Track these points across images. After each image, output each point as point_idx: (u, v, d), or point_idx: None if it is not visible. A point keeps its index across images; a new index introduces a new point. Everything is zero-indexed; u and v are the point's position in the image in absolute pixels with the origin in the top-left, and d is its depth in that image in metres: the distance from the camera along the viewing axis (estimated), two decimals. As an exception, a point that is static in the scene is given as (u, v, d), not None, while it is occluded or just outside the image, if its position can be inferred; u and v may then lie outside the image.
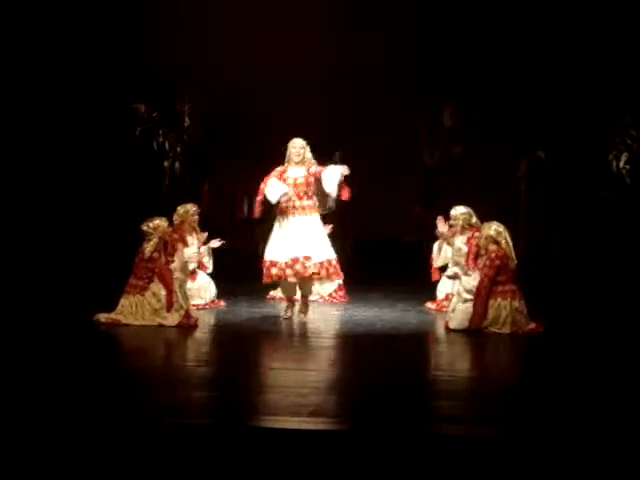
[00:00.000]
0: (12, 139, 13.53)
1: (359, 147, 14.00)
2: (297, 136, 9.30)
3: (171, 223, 9.42)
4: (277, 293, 10.60)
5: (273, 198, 9.06)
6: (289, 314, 9.27)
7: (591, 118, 13.76)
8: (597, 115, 13.73)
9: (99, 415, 5.26)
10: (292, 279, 9.11)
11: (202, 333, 8.53)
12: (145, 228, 8.79)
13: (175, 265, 8.95)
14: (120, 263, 9.27)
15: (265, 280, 9.25)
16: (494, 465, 4.77)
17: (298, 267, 8.99)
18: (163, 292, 8.66)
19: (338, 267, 9.20)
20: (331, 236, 9.70)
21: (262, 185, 9.18)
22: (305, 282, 9.26)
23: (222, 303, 10.19)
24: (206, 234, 10.18)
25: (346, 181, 9.14)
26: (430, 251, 10.47)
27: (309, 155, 9.21)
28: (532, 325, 8.55)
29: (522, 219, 14.73)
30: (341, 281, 10.51)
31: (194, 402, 5.81)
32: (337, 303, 10.47)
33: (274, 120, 13.67)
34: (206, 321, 9.15)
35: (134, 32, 13.59)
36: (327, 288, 10.51)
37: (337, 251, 9.47)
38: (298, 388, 6.13)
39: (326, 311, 9.93)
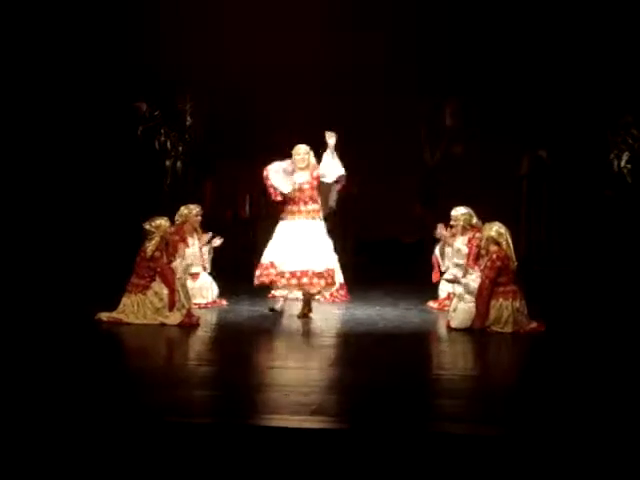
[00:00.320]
0: (15, 138, 13.53)
1: (359, 147, 13.99)
2: (300, 141, 9.37)
3: (172, 223, 9.43)
4: (278, 292, 10.60)
5: (285, 189, 9.12)
6: (277, 307, 9.30)
7: (592, 117, 13.77)
8: (598, 114, 13.73)
9: (101, 414, 5.26)
10: (296, 290, 9.19)
11: (204, 332, 8.54)
12: (147, 227, 8.80)
13: (177, 265, 8.95)
14: (122, 262, 9.28)
15: (261, 280, 9.28)
16: (496, 464, 4.77)
17: (305, 280, 9.06)
18: (165, 291, 8.66)
19: (334, 274, 9.26)
20: (332, 236, 9.72)
21: (265, 173, 9.25)
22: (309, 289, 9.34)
23: (224, 302, 10.20)
24: (209, 235, 10.18)
25: (349, 177, 9.23)
26: (431, 251, 10.47)
27: (313, 160, 9.27)
28: (533, 325, 8.56)
29: (523, 218, 14.72)
30: (342, 280, 10.54)
31: (196, 401, 5.82)
32: (338, 302, 10.47)
33: (275, 120, 13.69)
34: (208, 320, 9.16)
35: (136, 31, 13.60)
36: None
37: (338, 251, 9.49)
38: (300, 387, 6.14)
39: (327, 310, 9.93)
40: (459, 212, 10.04)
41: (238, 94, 14.08)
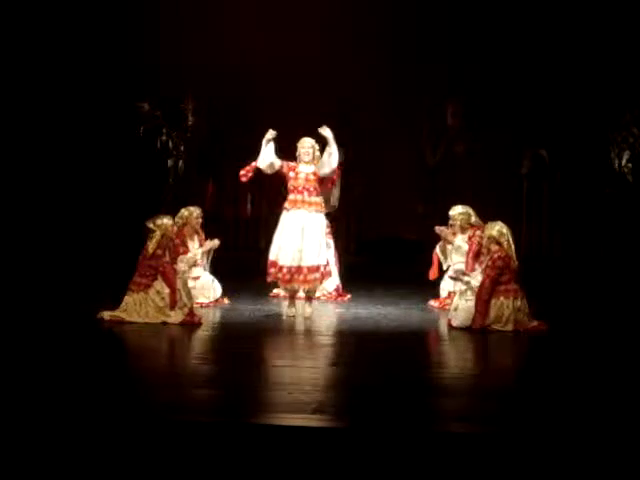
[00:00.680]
0: (17, 139, 13.55)
1: (361, 146, 14.01)
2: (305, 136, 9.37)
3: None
4: (281, 291, 10.62)
5: (262, 164, 9.18)
6: (293, 312, 9.30)
7: (593, 117, 13.77)
8: (599, 114, 13.74)
9: (103, 412, 5.29)
10: (296, 285, 9.18)
11: (205, 331, 8.55)
12: (150, 226, 8.82)
13: (179, 266, 8.96)
14: (125, 261, 9.29)
15: (269, 279, 9.31)
16: (497, 463, 4.79)
17: (301, 278, 9.05)
18: (167, 290, 8.68)
19: (326, 270, 9.29)
20: (333, 235, 9.74)
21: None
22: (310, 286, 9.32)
23: (226, 301, 10.21)
24: (216, 241, 10.16)
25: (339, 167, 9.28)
26: (431, 250, 10.48)
27: (318, 154, 9.25)
28: (534, 323, 8.58)
29: (524, 217, 14.73)
30: (338, 282, 10.60)
31: (197, 400, 5.83)
32: (340, 302, 10.48)
33: (276, 120, 13.68)
34: (210, 319, 9.17)
35: (137, 31, 13.61)
36: (329, 286, 10.54)
37: (339, 250, 9.49)
38: (301, 385, 6.16)
39: (329, 309, 9.95)
40: (456, 211, 10.06)
41: (240, 94, 14.09)
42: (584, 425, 5.20)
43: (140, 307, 8.69)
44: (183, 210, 10.15)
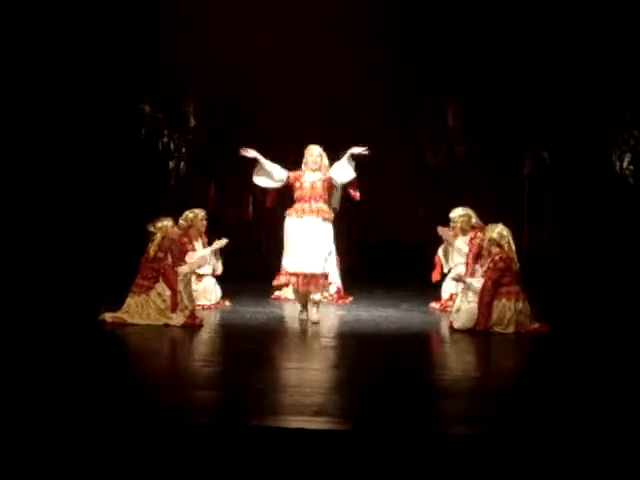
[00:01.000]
0: (17, 140, 13.55)
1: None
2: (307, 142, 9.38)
3: (176, 224, 9.43)
4: (282, 293, 10.63)
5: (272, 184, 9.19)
6: (305, 316, 9.24)
7: (594, 118, 13.77)
8: (600, 115, 13.74)
9: (105, 414, 5.29)
10: (304, 289, 9.15)
11: (207, 333, 8.56)
12: (150, 228, 8.82)
13: (184, 269, 8.95)
14: (127, 263, 9.30)
15: (283, 285, 9.31)
16: (499, 465, 4.79)
17: (312, 283, 9.04)
18: (168, 292, 8.68)
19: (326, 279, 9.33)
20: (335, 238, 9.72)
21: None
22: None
23: (227, 303, 10.21)
24: (224, 240, 10.16)
25: (358, 182, 9.25)
26: (433, 252, 10.48)
27: (326, 162, 9.21)
28: (536, 326, 8.58)
29: (525, 219, 14.72)
30: (339, 284, 10.60)
31: (199, 402, 5.84)
32: (341, 304, 10.48)
33: (277, 122, 13.70)
34: (211, 321, 9.17)
35: (139, 32, 13.62)
36: (330, 288, 10.53)
37: (341, 253, 9.48)
38: (302, 388, 6.16)
39: (330, 311, 9.95)
40: (457, 214, 10.06)
41: (239, 93, 14.10)
42: (586, 427, 5.20)
43: (142, 309, 8.70)
44: (187, 212, 10.12)
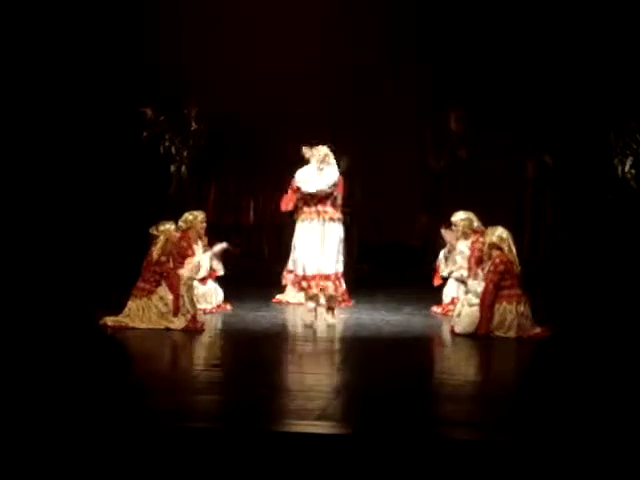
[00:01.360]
0: (20, 144, 13.56)
1: (364, 152, 14.01)
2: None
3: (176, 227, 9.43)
4: (283, 297, 10.62)
5: (311, 189, 9.07)
6: (315, 321, 9.17)
7: (596, 122, 13.77)
8: (602, 119, 13.74)
9: (105, 418, 5.28)
10: (317, 291, 9.09)
11: (208, 337, 8.55)
12: (153, 232, 8.82)
13: (185, 271, 8.95)
14: (128, 267, 9.29)
15: (297, 289, 9.25)
16: (500, 469, 4.78)
17: (327, 284, 8.99)
18: (170, 296, 8.68)
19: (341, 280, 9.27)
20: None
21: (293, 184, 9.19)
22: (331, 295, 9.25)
23: (228, 307, 10.20)
24: (223, 245, 10.14)
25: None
26: (435, 255, 10.48)
27: (333, 162, 9.19)
28: (537, 329, 8.57)
29: (527, 223, 14.72)
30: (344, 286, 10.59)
31: (200, 406, 5.83)
32: (343, 307, 10.46)
33: (279, 125, 13.70)
34: (212, 325, 9.17)
35: (140, 37, 13.62)
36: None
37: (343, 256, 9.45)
38: (304, 392, 6.16)
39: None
40: (458, 217, 10.05)
41: (242, 99, 14.10)
42: (588, 432, 5.19)
43: (143, 313, 8.69)
44: (187, 214, 10.11)
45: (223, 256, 10.25)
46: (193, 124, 14.69)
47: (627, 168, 13.84)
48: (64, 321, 8.95)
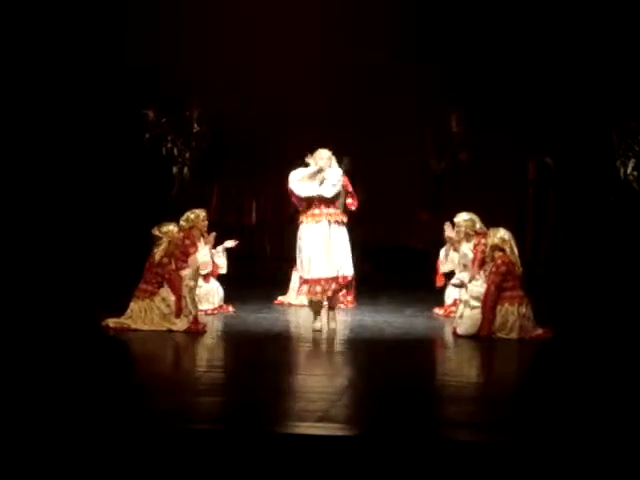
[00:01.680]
0: (22, 146, 13.57)
1: (365, 153, 14.01)
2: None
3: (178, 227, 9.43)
4: (285, 299, 10.63)
5: (304, 192, 8.95)
6: (319, 326, 9.09)
7: (598, 124, 13.77)
8: (604, 121, 13.74)
9: (107, 420, 5.29)
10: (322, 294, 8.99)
11: (210, 338, 8.55)
12: (156, 233, 8.82)
13: (187, 272, 8.94)
14: (130, 268, 9.30)
15: (310, 296, 9.10)
16: (502, 471, 4.78)
17: (318, 289, 8.89)
18: (172, 297, 8.67)
19: (348, 282, 9.17)
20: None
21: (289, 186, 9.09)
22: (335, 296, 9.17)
23: (230, 308, 10.21)
24: (214, 234, 10.15)
25: (355, 189, 9.18)
26: (437, 257, 10.48)
27: (335, 165, 9.14)
28: (540, 331, 8.56)
29: (529, 224, 14.72)
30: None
31: (202, 407, 5.83)
32: (345, 308, 10.47)
33: (280, 126, 13.71)
34: (214, 326, 9.17)
35: (142, 39, 13.64)
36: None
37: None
38: (306, 393, 6.16)
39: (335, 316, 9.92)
40: (461, 219, 10.04)
41: (243, 100, 14.11)
42: (590, 433, 5.19)
43: (145, 314, 8.69)
44: (188, 213, 10.10)
45: (229, 256, 10.25)
46: (195, 126, 14.71)
47: (629, 170, 13.85)
48: (66, 322, 8.97)
